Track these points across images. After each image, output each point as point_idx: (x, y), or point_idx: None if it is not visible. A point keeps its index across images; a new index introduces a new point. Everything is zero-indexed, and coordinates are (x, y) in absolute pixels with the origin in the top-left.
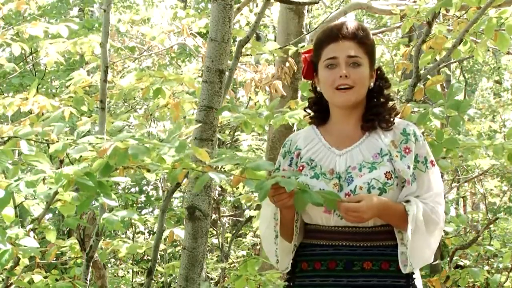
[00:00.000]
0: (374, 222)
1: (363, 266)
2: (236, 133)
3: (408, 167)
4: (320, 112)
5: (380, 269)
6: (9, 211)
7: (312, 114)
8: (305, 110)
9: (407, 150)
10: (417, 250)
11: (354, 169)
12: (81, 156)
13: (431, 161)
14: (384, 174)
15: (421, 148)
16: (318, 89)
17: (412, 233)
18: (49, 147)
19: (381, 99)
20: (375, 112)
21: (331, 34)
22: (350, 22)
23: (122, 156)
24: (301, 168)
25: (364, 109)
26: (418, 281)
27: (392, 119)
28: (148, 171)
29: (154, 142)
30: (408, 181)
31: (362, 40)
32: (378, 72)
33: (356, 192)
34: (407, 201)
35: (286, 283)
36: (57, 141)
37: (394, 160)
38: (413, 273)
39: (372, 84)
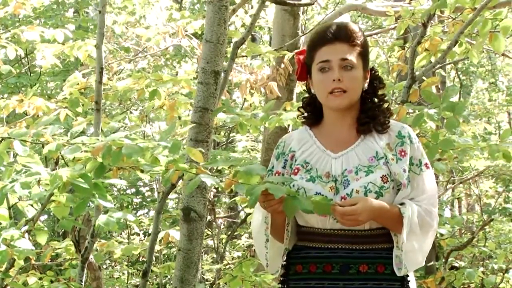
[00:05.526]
0: (370, 225)
1: (359, 269)
2: (231, 134)
3: (404, 171)
4: (313, 113)
5: (376, 272)
6: (3, 212)
7: (305, 114)
8: (298, 110)
9: (402, 153)
10: (411, 253)
11: (350, 172)
12: (74, 157)
13: (426, 164)
14: (381, 177)
15: (416, 151)
16: (312, 90)
17: (406, 235)
18: (43, 147)
19: (376, 100)
20: (370, 115)
21: (324, 36)
22: (343, 23)
23: (116, 156)
24: (296, 171)
25: (358, 111)
26: (412, 284)
27: (387, 122)
28: (142, 171)
29: (148, 142)
30: (403, 184)
31: (355, 41)
32: (372, 72)
33: (353, 196)
34: (402, 204)
35: (280, 286)
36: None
37: (390, 163)
38: (407, 275)
39: (366, 85)
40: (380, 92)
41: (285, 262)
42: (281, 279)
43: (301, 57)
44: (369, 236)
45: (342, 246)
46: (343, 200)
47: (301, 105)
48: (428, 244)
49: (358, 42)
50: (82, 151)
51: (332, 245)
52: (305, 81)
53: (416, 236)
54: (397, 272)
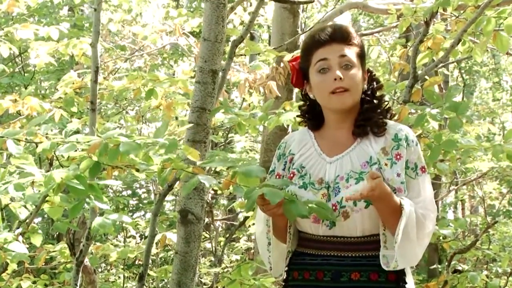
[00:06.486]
0: (363, 232)
1: (351, 277)
2: (229, 135)
3: (398, 175)
4: (314, 119)
5: (368, 280)
6: None
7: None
8: (298, 117)
9: (398, 157)
10: (404, 249)
11: (341, 179)
12: (69, 156)
13: (422, 167)
14: None
15: (412, 154)
16: (311, 96)
17: (403, 228)
18: (37, 146)
19: (374, 101)
20: (366, 117)
21: (320, 38)
22: (338, 25)
23: (113, 153)
24: (291, 175)
25: (357, 114)
26: None
27: (384, 124)
28: (137, 170)
29: (145, 138)
30: (398, 189)
31: (352, 41)
32: (369, 74)
33: (343, 204)
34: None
35: None
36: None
37: (384, 169)
38: (406, 282)
39: (365, 86)
40: (378, 94)
41: (286, 268)
42: (283, 284)
43: (295, 63)
44: (362, 243)
45: (334, 253)
46: (334, 207)
47: (300, 113)
48: (421, 247)
49: (355, 42)
50: (77, 150)
51: (325, 252)
52: (301, 87)
53: (411, 232)
54: (385, 268)
